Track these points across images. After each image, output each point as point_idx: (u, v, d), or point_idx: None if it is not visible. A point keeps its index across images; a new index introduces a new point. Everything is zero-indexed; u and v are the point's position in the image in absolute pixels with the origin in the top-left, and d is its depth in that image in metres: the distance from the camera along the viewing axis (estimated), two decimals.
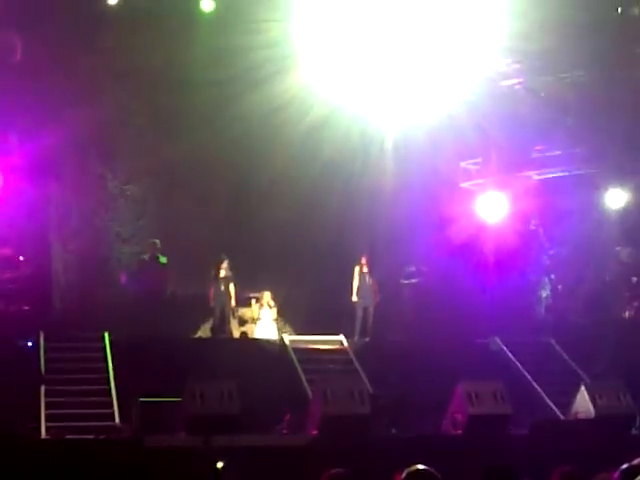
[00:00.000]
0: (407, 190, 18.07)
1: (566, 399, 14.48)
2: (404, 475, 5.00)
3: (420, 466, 5.06)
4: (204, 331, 18.21)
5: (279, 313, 18.17)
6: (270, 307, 17.99)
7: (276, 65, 15.94)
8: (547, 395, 15.13)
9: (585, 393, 11.56)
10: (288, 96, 16.26)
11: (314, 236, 18.39)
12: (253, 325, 18.26)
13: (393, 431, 10.87)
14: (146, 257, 17.42)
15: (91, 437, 10.01)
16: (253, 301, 18.39)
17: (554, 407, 14.58)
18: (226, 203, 18.57)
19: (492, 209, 18.59)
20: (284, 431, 10.58)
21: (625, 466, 5.55)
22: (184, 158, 18.18)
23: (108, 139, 18.35)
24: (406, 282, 18.86)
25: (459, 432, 10.88)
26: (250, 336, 18.03)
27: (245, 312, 18.63)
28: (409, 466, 8.00)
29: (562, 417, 13.47)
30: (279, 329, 18.04)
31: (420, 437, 10.79)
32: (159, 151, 18.06)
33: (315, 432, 10.47)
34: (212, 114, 17.33)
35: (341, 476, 6.83)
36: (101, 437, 9.81)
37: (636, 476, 5.47)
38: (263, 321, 18.11)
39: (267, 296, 17.99)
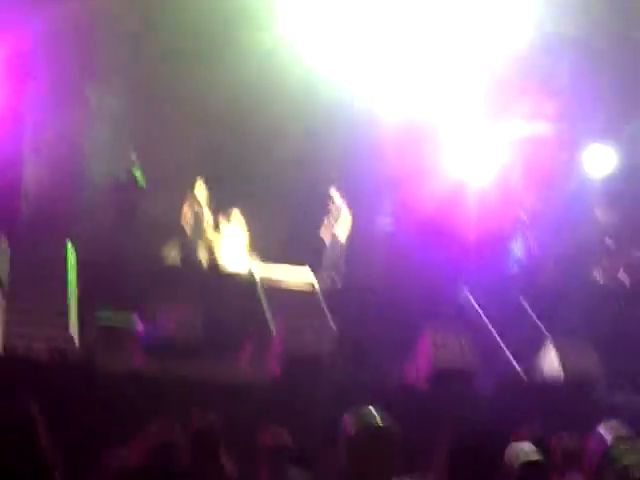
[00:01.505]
0: (396, 143, 17.71)
1: (532, 360, 14.49)
2: (357, 430, 4.56)
3: (379, 422, 4.60)
4: (173, 254, 17.87)
5: (251, 244, 17.86)
6: (239, 231, 17.69)
7: None
8: (512, 354, 14.98)
9: (552, 353, 11.40)
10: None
11: (306, 176, 18.06)
12: (221, 252, 17.94)
13: (355, 376, 10.64)
14: (121, 174, 16.93)
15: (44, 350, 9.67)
16: (223, 223, 18.02)
17: (517, 366, 14.44)
18: (211, 129, 18.09)
19: (474, 166, 18.47)
20: (243, 362, 10.35)
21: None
22: (172, 76, 17.72)
23: (88, 50, 17.82)
24: (381, 230, 18.59)
25: (422, 384, 10.68)
26: (218, 263, 17.77)
27: (216, 237, 18.31)
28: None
29: (526, 377, 13.34)
30: (248, 258, 17.76)
31: (382, 385, 10.58)
32: (143, 65, 17.63)
33: (275, 370, 10.28)
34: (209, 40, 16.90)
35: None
36: (54, 353, 9.47)
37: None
38: (232, 248, 17.81)
39: (237, 216, 17.61)
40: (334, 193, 17.53)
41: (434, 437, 7.98)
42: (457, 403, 10.38)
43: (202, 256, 17.61)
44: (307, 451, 7.14)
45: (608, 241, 18.27)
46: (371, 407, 4.63)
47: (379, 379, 10.83)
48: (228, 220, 17.72)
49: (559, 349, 11.49)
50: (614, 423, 6.85)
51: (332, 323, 13.65)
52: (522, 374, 12.26)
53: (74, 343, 10.53)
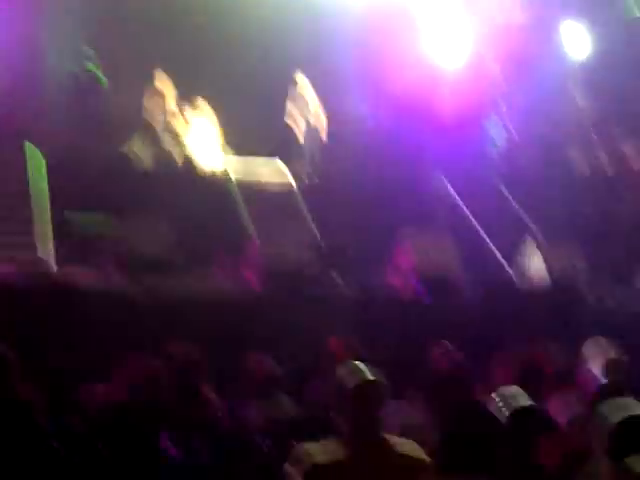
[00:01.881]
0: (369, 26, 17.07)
1: (515, 256, 14.27)
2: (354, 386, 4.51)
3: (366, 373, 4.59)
4: (137, 148, 17.28)
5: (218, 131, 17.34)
6: (207, 122, 17.13)
7: None
8: (496, 247, 14.74)
9: (538, 257, 11.15)
10: None
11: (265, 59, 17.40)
12: (187, 142, 17.41)
13: (339, 284, 10.34)
14: (78, 71, 16.19)
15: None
16: (189, 115, 17.42)
17: (503, 260, 14.22)
18: (169, 16, 17.30)
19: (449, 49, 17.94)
20: (217, 275, 9.98)
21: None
22: None
23: None
24: (355, 123, 18.07)
25: (406, 291, 10.42)
26: (190, 158, 17.24)
27: (183, 130, 17.74)
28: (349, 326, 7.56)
29: (511, 272, 13.11)
30: (218, 148, 17.27)
31: (365, 295, 10.31)
32: None
33: (252, 282, 9.94)
34: None
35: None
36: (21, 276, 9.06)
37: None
38: (201, 137, 17.26)
39: (204, 107, 17.03)
40: (300, 78, 16.90)
41: (424, 351, 7.84)
42: (445, 313, 10.16)
43: (171, 151, 17.10)
44: (294, 376, 6.92)
45: (590, 128, 17.90)
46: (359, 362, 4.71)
47: (364, 292, 10.52)
48: (195, 111, 17.11)
49: (545, 254, 11.19)
50: (603, 342, 6.72)
51: (314, 228, 13.33)
52: (512, 277, 11.99)
53: (45, 264, 10.06)
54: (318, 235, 13.38)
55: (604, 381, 5.38)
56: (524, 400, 5.08)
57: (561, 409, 6.05)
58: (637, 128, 17.99)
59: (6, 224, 12.53)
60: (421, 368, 6.76)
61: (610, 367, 6.34)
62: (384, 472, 4.38)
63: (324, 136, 17.01)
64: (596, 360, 6.43)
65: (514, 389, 5.35)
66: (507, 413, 4.91)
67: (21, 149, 14.12)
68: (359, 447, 4.40)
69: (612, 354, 6.50)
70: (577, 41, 18.23)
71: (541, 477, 4.79)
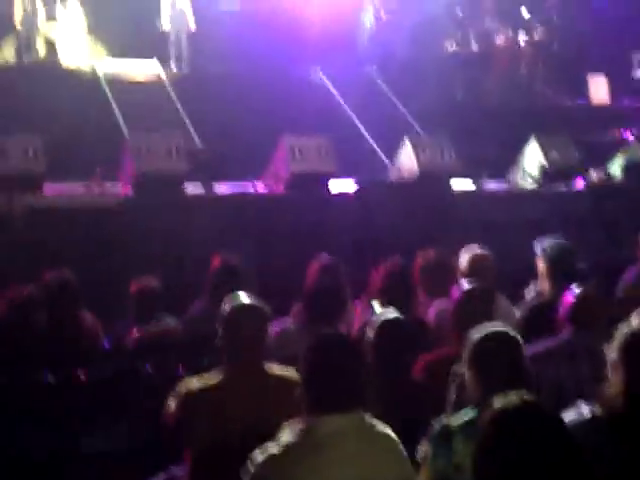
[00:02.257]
0: None
1: (388, 138, 14.46)
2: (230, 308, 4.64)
3: (245, 300, 4.68)
4: (8, 53, 16.84)
5: (89, 32, 16.93)
6: (77, 21, 16.72)
7: None
8: (369, 134, 14.93)
9: (409, 148, 11.29)
10: None
11: None
12: (60, 45, 17.00)
13: (212, 188, 10.35)
14: None
15: None
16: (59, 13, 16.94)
17: (377, 149, 14.42)
18: None
19: None
20: (95, 188, 9.92)
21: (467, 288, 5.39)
22: None
23: None
24: (227, 10, 17.85)
25: (280, 189, 10.51)
26: (58, 58, 16.85)
27: (51, 29, 17.26)
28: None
29: (386, 161, 13.32)
30: (90, 50, 16.88)
31: (239, 195, 10.39)
32: None
33: (127, 190, 9.88)
34: None
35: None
36: None
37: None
38: (72, 39, 16.87)
39: (74, 5, 16.60)
40: None
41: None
42: (315, 205, 10.30)
43: (40, 51, 16.68)
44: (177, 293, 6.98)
45: (457, 11, 18.02)
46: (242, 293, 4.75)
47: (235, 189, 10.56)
48: (65, 9, 16.67)
49: (415, 144, 11.32)
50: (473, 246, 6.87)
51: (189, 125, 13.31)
52: (389, 168, 12.13)
53: None
54: (196, 137, 13.47)
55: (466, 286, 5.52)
56: (391, 314, 5.25)
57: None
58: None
59: None
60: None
61: (473, 266, 6.54)
62: (257, 394, 4.45)
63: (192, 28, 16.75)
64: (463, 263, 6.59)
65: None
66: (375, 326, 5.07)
67: None
68: (233, 371, 4.49)
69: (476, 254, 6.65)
70: None
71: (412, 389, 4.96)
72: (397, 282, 6.25)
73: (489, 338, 4.08)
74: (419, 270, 6.74)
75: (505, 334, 4.12)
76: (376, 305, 6.15)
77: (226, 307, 4.61)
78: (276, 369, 4.65)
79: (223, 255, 6.69)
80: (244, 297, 4.69)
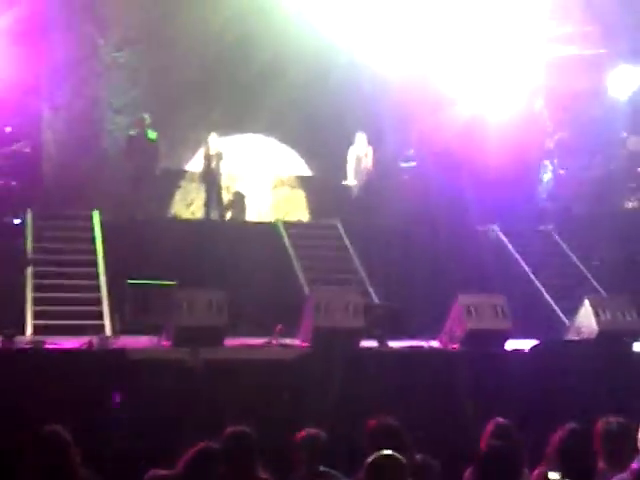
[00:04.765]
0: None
1: (565, 296, 14.35)
2: (369, 462, 4.75)
3: (386, 452, 4.80)
4: (197, 209, 17.78)
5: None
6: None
7: None
8: (548, 293, 14.85)
9: (589, 308, 11.17)
10: None
11: (315, 116, 17.82)
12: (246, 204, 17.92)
13: (387, 344, 10.50)
14: (134, 133, 16.60)
15: (74, 343, 9.57)
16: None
17: (556, 308, 14.31)
18: (226, 79, 17.74)
19: (494, 88, 18.12)
20: (274, 342, 10.24)
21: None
22: (182, 28, 17.42)
23: (101, 2, 17.59)
24: (405, 165, 18.31)
25: (455, 346, 10.55)
26: (242, 215, 17.73)
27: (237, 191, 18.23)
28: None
29: (565, 320, 13.22)
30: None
31: (413, 350, 10.47)
32: (156, 17, 17.34)
33: (305, 344, 10.14)
34: None
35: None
36: (84, 346, 9.40)
37: None
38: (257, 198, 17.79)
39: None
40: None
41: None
42: (489, 362, 10.27)
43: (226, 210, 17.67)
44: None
45: (638, 169, 17.87)
46: None
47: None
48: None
49: (595, 304, 11.21)
50: None
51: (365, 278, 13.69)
52: (568, 328, 12.02)
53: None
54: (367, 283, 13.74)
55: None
56: None
57: None
58: None
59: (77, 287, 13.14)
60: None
61: None
62: None
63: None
64: None
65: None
66: None
67: (90, 218, 14.68)
68: None
69: None
70: (624, 80, 18.21)
71: None
72: (576, 450, 6.10)
73: None
74: (600, 437, 6.55)
75: None
76: (553, 475, 6.01)
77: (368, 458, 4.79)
78: None
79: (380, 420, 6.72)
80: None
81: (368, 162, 17.38)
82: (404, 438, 6.47)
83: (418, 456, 6.51)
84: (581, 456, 6.11)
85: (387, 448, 5.52)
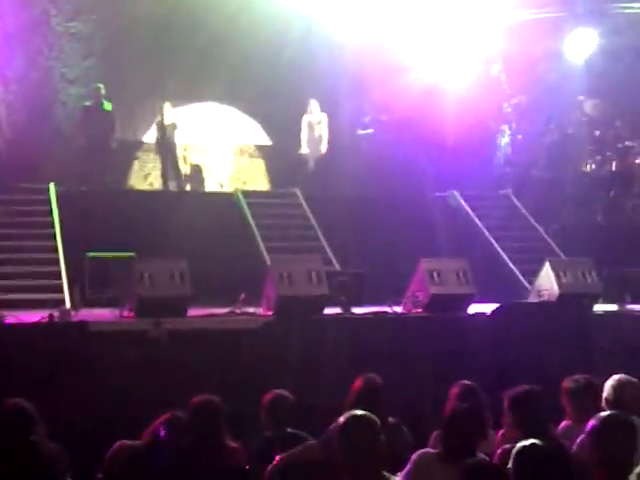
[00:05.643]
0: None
1: (525, 259, 14.44)
2: (342, 421, 4.71)
3: (359, 412, 4.79)
4: (155, 180, 17.64)
5: None
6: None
7: None
8: (508, 256, 14.92)
9: (549, 270, 11.23)
10: None
11: (271, 84, 17.73)
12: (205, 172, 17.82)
13: (351, 311, 10.48)
14: (89, 103, 16.43)
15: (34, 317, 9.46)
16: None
17: (517, 272, 14.39)
18: (180, 47, 17.55)
19: (451, 54, 18.11)
20: (238, 311, 10.18)
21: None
22: None
23: None
24: (362, 133, 18.25)
25: (419, 311, 10.56)
26: (201, 187, 17.66)
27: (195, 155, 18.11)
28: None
29: (526, 283, 13.30)
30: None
31: (377, 315, 10.47)
32: None
33: (270, 313, 10.11)
34: None
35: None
36: (45, 320, 9.28)
37: None
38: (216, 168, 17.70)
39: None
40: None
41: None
42: (453, 326, 10.31)
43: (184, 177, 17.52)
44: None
45: (597, 133, 17.93)
46: None
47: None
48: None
49: (556, 266, 11.28)
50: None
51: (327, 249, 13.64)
52: (529, 291, 12.10)
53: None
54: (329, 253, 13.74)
55: None
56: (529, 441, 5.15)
57: None
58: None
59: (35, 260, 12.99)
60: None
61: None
62: None
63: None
64: None
65: None
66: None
67: (46, 190, 14.49)
68: None
69: None
70: (581, 43, 18.23)
71: None
72: (530, 410, 6.14)
73: None
74: (566, 394, 6.64)
75: None
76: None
77: (340, 419, 4.72)
78: None
79: (368, 375, 6.75)
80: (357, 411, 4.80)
81: (323, 129, 17.34)
82: (383, 398, 6.55)
83: (390, 418, 6.55)
84: (535, 416, 6.15)
85: (369, 404, 5.57)
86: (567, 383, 6.74)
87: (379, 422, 4.77)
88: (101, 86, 16.28)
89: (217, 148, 17.93)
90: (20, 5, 16.81)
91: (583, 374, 6.80)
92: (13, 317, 9.62)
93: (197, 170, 18.13)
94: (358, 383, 6.72)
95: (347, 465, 4.67)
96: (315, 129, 17.33)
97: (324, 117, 17.32)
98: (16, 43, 16.85)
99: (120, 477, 6.10)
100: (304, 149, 17.36)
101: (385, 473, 4.79)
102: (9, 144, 16.52)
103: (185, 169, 17.81)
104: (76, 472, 6.07)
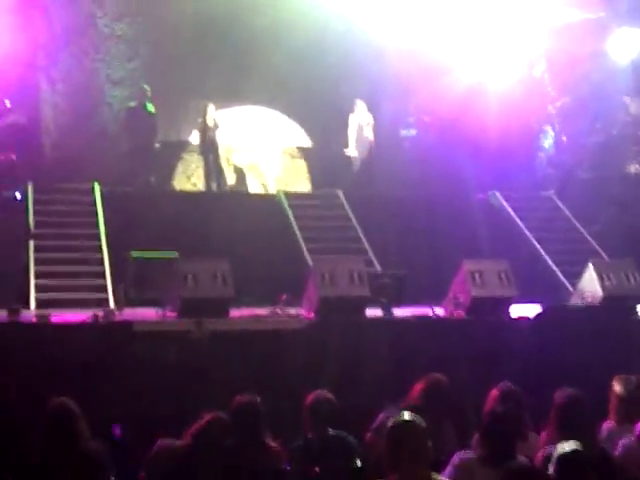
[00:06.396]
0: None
1: (568, 260, 14.35)
2: (390, 426, 4.77)
3: (406, 416, 4.80)
4: (198, 180, 17.73)
5: None
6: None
7: None
8: (550, 258, 14.83)
9: (593, 272, 11.16)
10: None
11: (312, 85, 17.75)
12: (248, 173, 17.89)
13: (392, 312, 10.49)
14: (134, 104, 16.57)
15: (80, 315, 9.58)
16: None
17: (559, 274, 14.31)
18: (222, 48, 17.64)
19: (494, 55, 18.04)
20: (280, 312, 10.24)
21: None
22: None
23: None
24: (405, 133, 18.23)
25: (460, 313, 10.55)
26: (243, 188, 17.75)
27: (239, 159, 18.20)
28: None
29: (568, 285, 13.23)
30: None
31: (419, 319, 10.46)
32: None
33: (311, 315, 10.15)
34: None
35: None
36: (90, 319, 9.39)
37: None
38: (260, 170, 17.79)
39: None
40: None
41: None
42: (495, 329, 10.29)
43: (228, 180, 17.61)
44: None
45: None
46: None
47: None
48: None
49: (599, 268, 11.20)
50: None
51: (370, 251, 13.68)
52: (572, 293, 12.03)
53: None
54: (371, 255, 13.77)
55: None
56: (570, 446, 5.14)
57: None
58: None
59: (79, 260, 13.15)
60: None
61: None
62: None
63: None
64: None
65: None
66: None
67: (92, 191, 14.64)
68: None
69: None
70: (626, 44, 18.06)
71: None
72: (574, 413, 6.12)
73: None
74: (615, 395, 6.62)
75: None
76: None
77: (389, 423, 4.87)
78: None
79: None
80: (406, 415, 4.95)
81: (369, 131, 17.31)
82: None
83: None
84: (578, 420, 6.13)
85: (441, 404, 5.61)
86: (618, 384, 6.69)
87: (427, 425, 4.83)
88: (147, 88, 16.40)
89: (263, 150, 18.00)
90: (67, 7, 16.96)
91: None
92: (59, 317, 9.75)
93: (239, 172, 18.19)
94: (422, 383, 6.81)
95: (394, 466, 4.73)
96: (364, 130, 17.31)
97: (371, 119, 17.29)
98: (62, 44, 17.01)
99: (163, 476, 6.17)
100: (352, 151, 17.31)
101: (434, 474, 4.84)
102: (55, 145, 16.69)
103: (228, 170, 17.87)
104: (119, 471, 6.14)
